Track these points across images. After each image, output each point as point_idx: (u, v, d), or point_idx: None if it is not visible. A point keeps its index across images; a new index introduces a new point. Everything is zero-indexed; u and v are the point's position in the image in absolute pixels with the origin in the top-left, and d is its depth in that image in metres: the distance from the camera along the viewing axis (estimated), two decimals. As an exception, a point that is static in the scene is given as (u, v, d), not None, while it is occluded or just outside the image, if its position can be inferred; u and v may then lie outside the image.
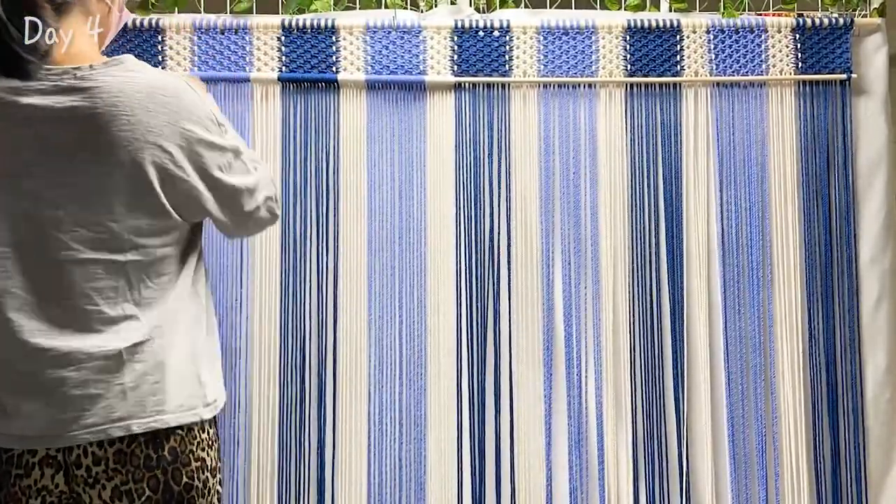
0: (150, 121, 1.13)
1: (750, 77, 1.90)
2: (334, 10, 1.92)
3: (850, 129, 1.90)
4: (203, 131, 1.19)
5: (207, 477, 1.16)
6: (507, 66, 1.88)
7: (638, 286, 1.87)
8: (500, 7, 1.95)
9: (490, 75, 1.88)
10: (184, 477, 1.12)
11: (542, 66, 1.89)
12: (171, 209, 1.17)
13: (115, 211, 1.12)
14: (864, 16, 1.94)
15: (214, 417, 1.22)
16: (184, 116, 1.17)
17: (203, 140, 1.19)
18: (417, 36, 1.88)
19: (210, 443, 1.18)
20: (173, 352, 1.16)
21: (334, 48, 1.87)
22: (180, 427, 1.13)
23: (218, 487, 1.18)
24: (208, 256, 1.84)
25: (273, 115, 1.86)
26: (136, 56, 1.82)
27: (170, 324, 1.16)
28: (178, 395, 1.14)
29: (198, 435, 1.15)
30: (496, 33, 1.88)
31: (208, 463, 1.16)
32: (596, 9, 1.96)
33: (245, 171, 1.28)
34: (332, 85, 1.87)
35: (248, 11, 1.90)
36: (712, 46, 1.90)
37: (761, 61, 1.90)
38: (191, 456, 1.13)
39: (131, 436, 1.09)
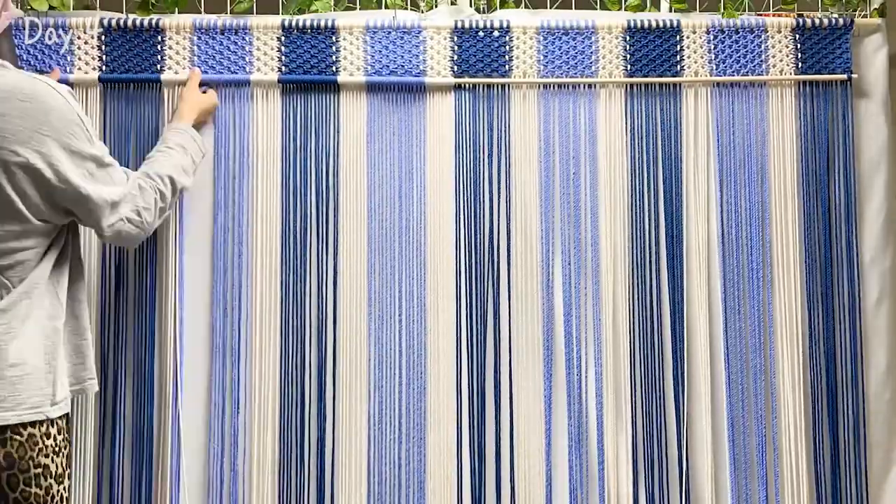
0: (4, 125, 1.11)
1: (750, 77, 1.90)
2: (334, 10, 1.92)
3: (851, 130, 1.90)
4: (63, 136, 1.16)
5: (51, 483, 1.13)
6: (507, 66, 1.88)
7: (638, 286, 1.87)
8: (500, 7, 1.95)
9: (490, 76, 1.88)
10: (21, 483, 1.09)
11: (541, 67, 1.89)
12: (27, 214, 1.15)
13: None
14: (864, 16, 1.94)
15: (67, 425, 1.19)
16: (42, 121, 1.14)
17: (62, 145, 1.16)
18: (417, 36, 1.88)
19: (56, 449, 1.15)
20: (22, 349, 1.13)
21: (334, 48, 1.87)
22: (22, 428, 1.11)
23: (65, 494, 1.15)
24: (208, 256, 1.84)
25: (273, 117, 1.87)
26: (135, 56, 1.85)
27: (20, 323, 1.13)
28: (23, 392, 1.11)
29: (41, 441, 1.12)
30: (496, 34, 1.89)
31: (52, 469, 1.13)
32: (596, 9, 1.96)
33: (108, 182, 1.26)
34: (333, 86, 1.87)
35: (248, 12, 1.90)
36: (712, 47, 1.90)
37: (761, 62, 1.90)
38: (30, 462, 1.11)
39: None
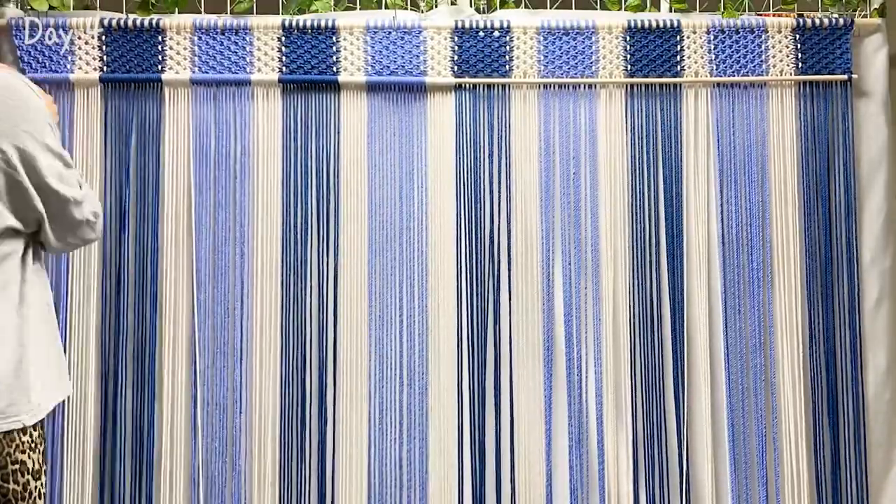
0: None
1: (750, 77, 1.90)
2: (334, 10, 1.92)
3: (851, 130, 1.90)
4: (41, 136, 1.17)
5: (28, 479, 1.14)
6: (507, 66, 1.88)
7: (638, 286, 1.87)
8: (500, 7, 1.95)
9: (490, 76, 1.88)
10: None
11: (542, 67, 1.89)
12: (7, 212, 1.15)
13: None
14: (864, 16, 1.94)
15: (41, 422, 1.19)
16: (23, 118, 1.14)
17: (40, 144, 1.17)
18: (418, 36, 1.88)
19: (32, 445, 1.16)
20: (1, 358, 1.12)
21: (335, 48, 1.87)
22: None
23: (42, 489, 1.16)
24: (209, 256, 1.84)
25: (274, 117, 1.87)
26: (135, 56, 1.85)
27: None
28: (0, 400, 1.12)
29: (17, 437, 1.13)
30: (496, 34, 1.89)
31: (29, 466, 1.14)
32: (596, 9, 1.96)
33: (73, 183, 1.25)
34: (333, 86, 1.87)
35: (249, 12, 1.90)
36: (712, 47, 1.90)
37: (761, 62, 1.90)
38: (7, 459, 1.11)
39: None
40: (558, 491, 1.85)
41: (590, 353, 1.86)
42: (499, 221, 1.88)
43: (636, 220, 1.88)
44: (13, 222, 1.17)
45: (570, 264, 1.87)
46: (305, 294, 1.84)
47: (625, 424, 1.85)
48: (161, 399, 1.81)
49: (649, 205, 1.88)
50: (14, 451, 1.12)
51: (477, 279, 1.86)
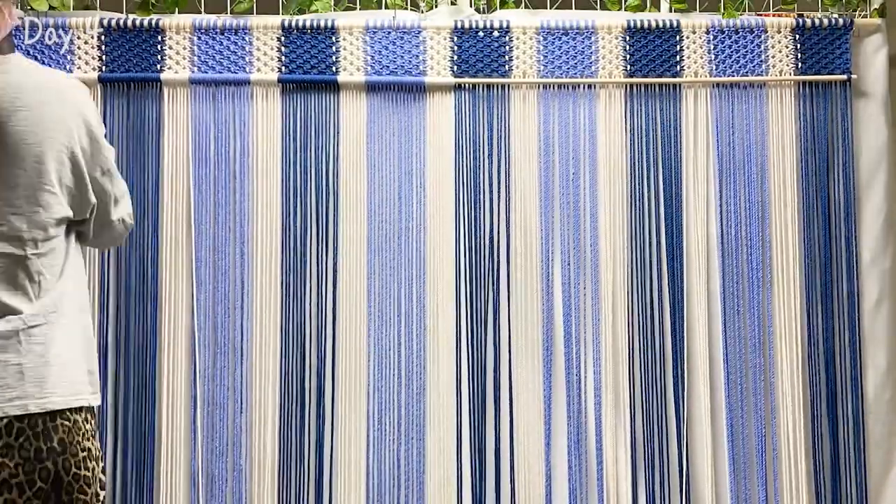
0: (49, 115, 1.16)
1: (750, 78, 1.90)
2: (334, 10, 1.92)
3: (851, 130, 1.90)
4: (96, 130, 1.24)
5: (94, 466, 1.19)
6: (506, 66, 1.88)
7: (638, 286, 1.87)
8: (500, 7, 1.95)
9: (490, 76, 1.88)
10: (73, 467, 1.15)
11: (541, 67, 1.89)
12: (65, 201, 1.20)
13: (15, 204, 1.15)
14: (864, 16, 1.94)
15: (94, 410, 1.25)
16: (82, 112, 1.21)
17: (95, 139, 1.24)
18: (417, 36, 1.88)
19: (93, 433, 1.22)
20: (64, 337, 1.19)
21: (334, 48, 1.87)
22: (68, 415, 1.16)
23: (101, 476, 1.22)
24: (209, 256, 1.84)
25: (273, 117, 1.87)
26: (135, 56, 1.85)
27: (60, 310, 1.19)
28: (66, 379, 1.17)
29: (83, 426, 1.18)
30: (496, 34, 1.89)
31: (93, 453, 1.20)
32: (596, 9, 1.96)
33: (116, 178, 1.32)
34: (333, 86, 1.87)
35: (249, 12, 1.90)
36: (712, 47, 1.90)
37: (761, 62, 1.90)
38: (77, 447, 1.16)
39: (20, 427, 1.12)
40: (557, 491, 1.84)
41: (589, 352, 1.86)
42: (498, 221, 1.88)
43: (636, 220, 1.88)
44: (68, 211, 1.21)
45: (569, 264, 1.87)
46: (305, 294, 1.84)
47: (624, 424, 1.85)
48: (161, 399, 1.81)
49: (649, 205, 1.88)
50: (82, 439, 1.17)
51: (476, 279, 1.86)
